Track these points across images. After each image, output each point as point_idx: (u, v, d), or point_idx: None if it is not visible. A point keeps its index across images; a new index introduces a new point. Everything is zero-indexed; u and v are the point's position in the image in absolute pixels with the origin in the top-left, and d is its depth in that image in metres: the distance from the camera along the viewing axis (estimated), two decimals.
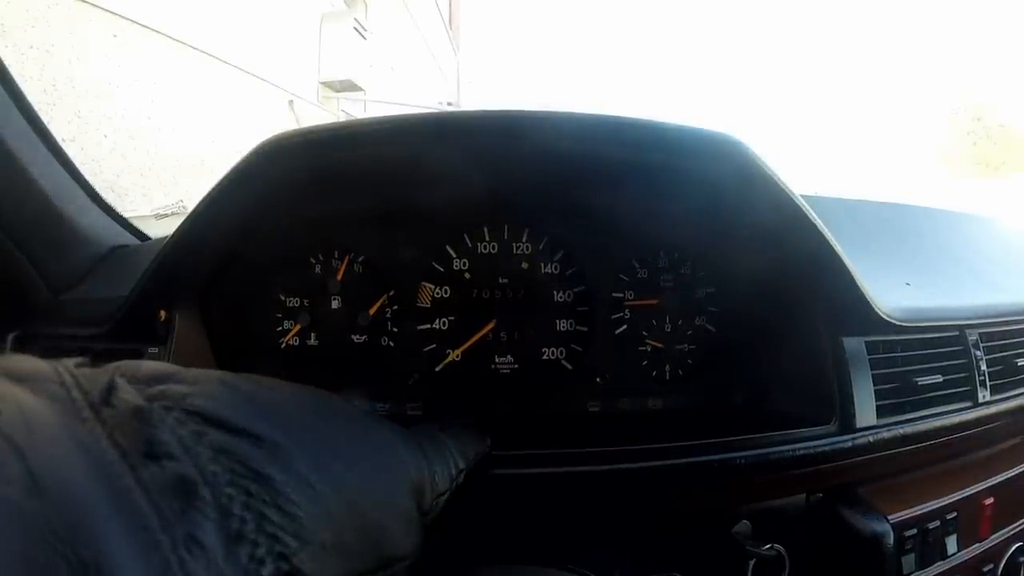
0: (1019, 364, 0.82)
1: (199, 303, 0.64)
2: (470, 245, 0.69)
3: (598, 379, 0.69)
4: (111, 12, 3.47)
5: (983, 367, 0.77)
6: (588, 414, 0.69)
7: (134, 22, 3.67)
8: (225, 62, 4.54)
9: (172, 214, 1.01)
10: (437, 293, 0.68)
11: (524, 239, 0.70)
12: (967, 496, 0.72)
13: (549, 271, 0.70)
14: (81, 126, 3.15)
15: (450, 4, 14.22)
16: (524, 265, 0.69)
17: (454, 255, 0.69)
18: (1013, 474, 0.79)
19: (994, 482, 0.75)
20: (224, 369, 0.61)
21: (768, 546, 0.63)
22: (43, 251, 0.72)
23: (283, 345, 0.68)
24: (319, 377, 0.67)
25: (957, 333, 0.76)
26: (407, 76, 9.66)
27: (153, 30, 3.84)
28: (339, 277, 0.69)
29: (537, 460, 0.56)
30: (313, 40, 6.08)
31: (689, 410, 0.70)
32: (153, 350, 0.62)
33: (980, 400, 0.74)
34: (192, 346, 0.63)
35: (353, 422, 0.32)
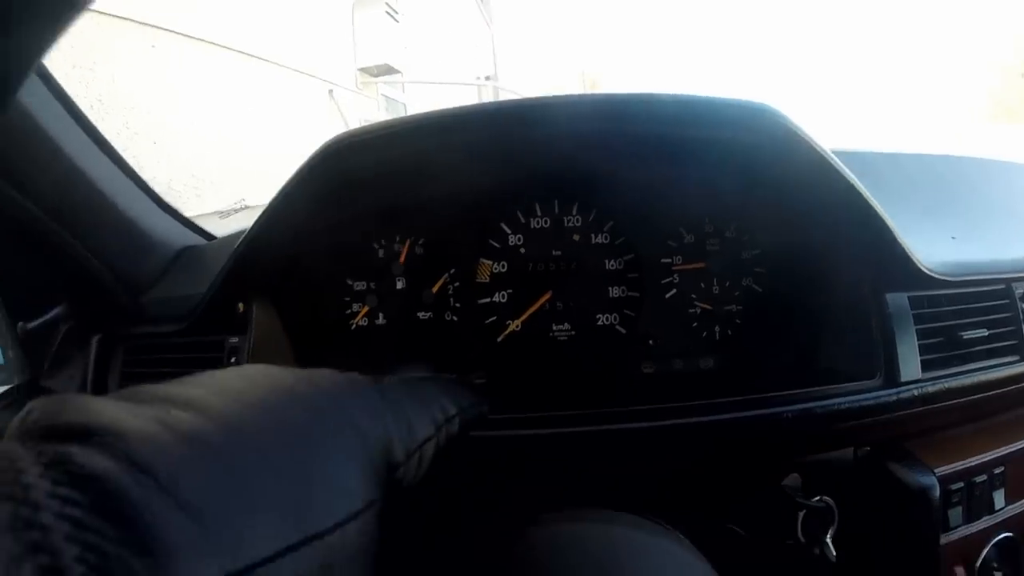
0: None
1: (272, 293, 0.69)
2: (523, 221, 0.73)
3: (650, 342, 0.72)
4: (147, 24, 3.56)
5: None
6: (643, 375, 0.72)
7: (170, 31, 3.76)
8: (264, 59, 4.63)
9: (235, 212, 1.07)
10: (495, 268, 0.72)
11: (574, 212, 0.73)
12: (1015, 451, 0.72)
13: (599, 241, 0.73)
14: (131, 136, 3.26)
15: None
16: (576, 237, 0.72)
17: (509, 231, 0.72)
18: None
19: None
20: (299, 351, 0.66)
21: (817, 498, 0.65)
22: (119, 258, 0.77)
23: (353, 326, 0.73)
24: (388, 354, 0.73)
25: (1004, 287, 0.76)
26: (443, 53, 9.62)
27: (189, 36, 3.93)
28: (401, 260, 0.73)
29: (595, 419, 0.60)
30: (347, 28, 6.12)
31: (739, 368, 0.72)
32: (234, 340, 0.68)
33: None
34: (269, 332, 0.68)
35: (292, 421, 0.26)
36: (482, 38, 12.78)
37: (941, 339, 0.68)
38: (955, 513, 0.67)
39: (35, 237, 0.72)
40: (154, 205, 0.86)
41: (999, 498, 0.71)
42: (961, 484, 0.68)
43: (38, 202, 0.70)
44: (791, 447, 0.66)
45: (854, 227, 0.64)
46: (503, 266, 0.72)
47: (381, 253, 0.74)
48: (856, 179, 0.60)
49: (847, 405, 0.62)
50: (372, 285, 0.73)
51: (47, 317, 0.79)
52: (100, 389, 0.76)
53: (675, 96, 0.57)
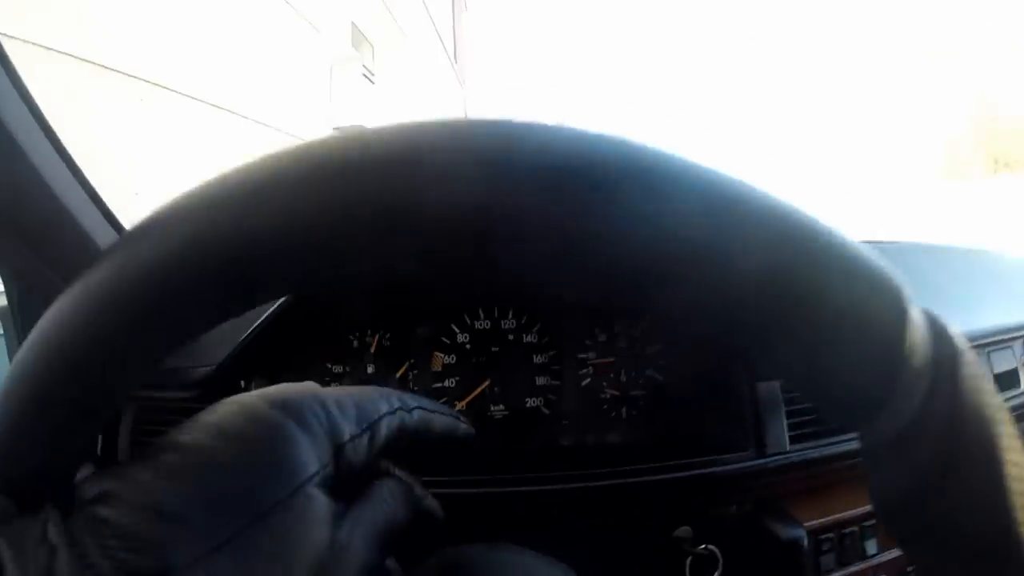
0: None
1: (269, 373, 0.84)
2: (469, 323, 0.88)
3: (565, 421, 0.86)
4: (136, 77, 3.65)
5: None
6: (561, 447, 0.86)
7: (158, 85, 3.84)
8: (245, 116, 4.73)
9: None
10: (446, 360, 0.87)
11: (509, 317, 0.88)
12: None
13: (529, 340, 0.87)
14: (115, 186, 3.32)
15: (455, 39, 14.44)
16: (510, 336, 0.87)
17: (457, 331, 0.87)
18: None
19: None
20: None
21: (703, 547, 0.77)
22: None
23: None
24: None
25: None
26: (416, 113, 9.78)
27: (176, 91, 4.00)
28: (372, 350, 0.88)
29: (522, 481, 0.74)
30: (324, 87, 6.24)
31: (640, 442, 0.86)
32: None
33: None
34: None
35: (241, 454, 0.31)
36: (454, 98, 12.85)
37: (810, 417, 0.80)
38: (827, 559, 0.78)
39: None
40: None
41: (871, 546, 0.82)
42: (831, 535, 0.79)
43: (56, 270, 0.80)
44: (681, 505, 0.80)
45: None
46: (452, 358, 0.87)
47: (355, 344, 0.88)
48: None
49: (723, 472, 0.75)
50: (348, 369, 0.88)
51: None
52: (109, 443, 0.86)
53: None
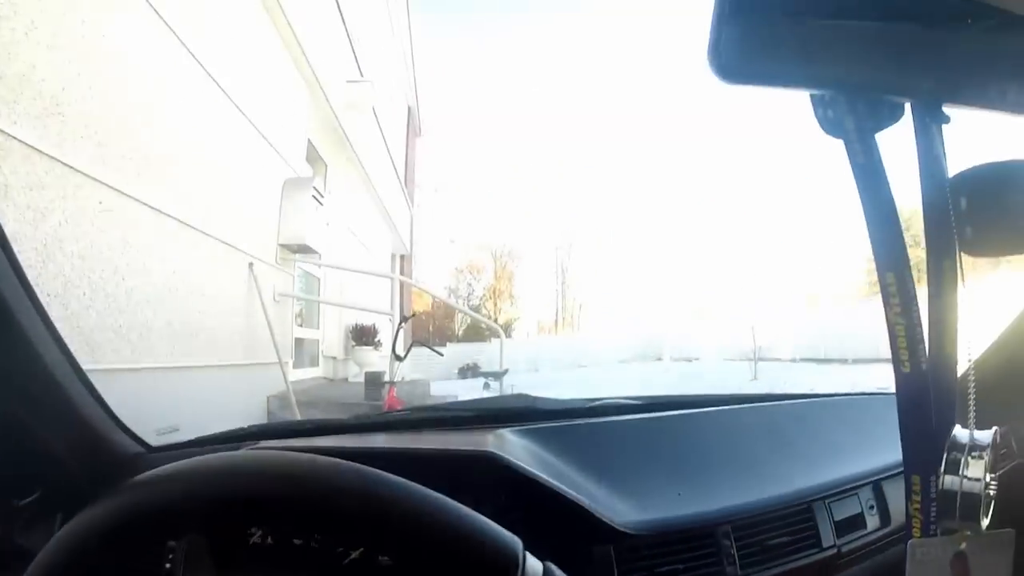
0: (770, 544, 1.03)
1: None
2: None
3: None
4: (100, 182, 3.75)
5: (733, 552, 0.97)
6: None
7: (120, 192, 3.94)
8: (197, 229, 4.76)
9: (171, 431, 1.32)
10: None
11: None
12: None
13: None
14: (65, 283, 3.29)
15: (406, 161, 15.16)
16: None
17: None
18: None
19: None
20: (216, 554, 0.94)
21: None
22: (85, 460, 0.92)
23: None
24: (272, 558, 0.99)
25: (710, 532, 0.97)
26: (363, 230, 10.14)
27: (135, 199, 4.09)
28: None
29: None
30: (275, 205, 6.30)
31: None
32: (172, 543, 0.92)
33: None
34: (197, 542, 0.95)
35: None
36: (402, 217, 13.33)
37: (642, 574, 0.92)
38: None
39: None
40: (106, 415, 0.97)
41: None
42: None
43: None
44: None
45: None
46: None
47: None
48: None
49: None
50: None
51: (32, 498, 0.90)
52: None
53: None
